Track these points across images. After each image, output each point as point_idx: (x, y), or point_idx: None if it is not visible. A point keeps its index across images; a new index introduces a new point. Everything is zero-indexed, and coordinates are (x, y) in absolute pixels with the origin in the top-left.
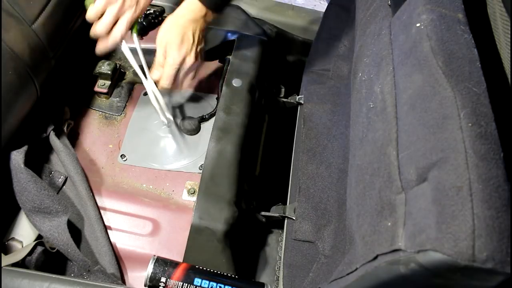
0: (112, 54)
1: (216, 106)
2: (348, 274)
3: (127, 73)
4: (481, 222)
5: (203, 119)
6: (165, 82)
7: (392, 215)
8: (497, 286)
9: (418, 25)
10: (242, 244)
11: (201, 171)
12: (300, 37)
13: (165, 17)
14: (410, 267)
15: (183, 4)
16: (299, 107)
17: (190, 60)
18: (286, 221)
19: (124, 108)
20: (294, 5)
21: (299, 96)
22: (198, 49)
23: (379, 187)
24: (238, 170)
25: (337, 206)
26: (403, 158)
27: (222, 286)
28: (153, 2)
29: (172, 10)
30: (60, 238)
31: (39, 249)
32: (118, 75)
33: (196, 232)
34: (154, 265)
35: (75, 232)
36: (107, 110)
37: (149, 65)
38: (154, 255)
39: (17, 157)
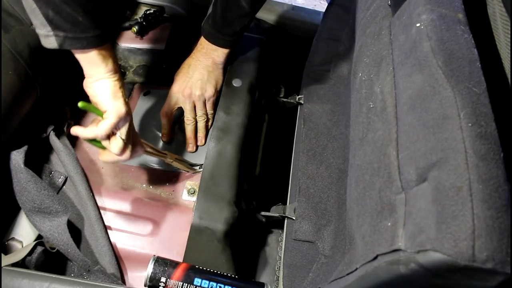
0: None
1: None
2: (348, 274)
3: (127, 73)
4: (481, 222)
5: None
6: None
7: (392, 215)
8: (497, 286)
9: (418, 25)
10: (242, 244)
11: (201, 171)
12: (300, 37)
13: (165, 17)
14: (410, 267)
15: (198, 44)
16: (299, 107)
17: (186, 93)
18: (286, 221)
19: None
20: (294, 5)
21: (299, 96)
22: (194, 89)
23: (379, 187)
24: (238, 170)
25: (337, 206)
26: (403, 158)
27: (222, 286)
28: (153, 2)
29: (172, 10)
30: (60, 238)
31: (39, 249)
32: None
33: (196, 232)
34: (154, 265)
35: (75, 232)
36: None
37: (149, 64)
38: (154, 255)
39: (17, 157)
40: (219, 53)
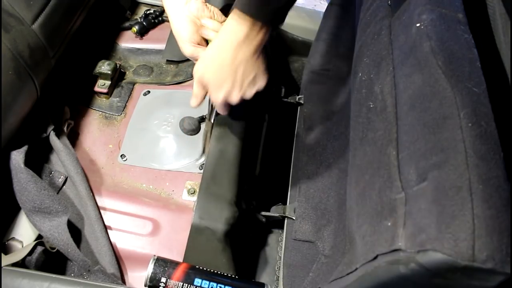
0: (112, 54)
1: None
2: (348, 274)
3: (127, 73)
4: (481, 222)
5: (203, 119)
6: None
7: (392, 215)
8: (497, 286)
9: (418, 25)
10: (242, 244)
11: (201, 171)
12: (300, 37)
13: (165, 17)
14: (410, 267)
15: (225, 23)
16: (299, 107)
17: (233, 101)
18: (286, 221)
19: (124, 108)
20: (294, 5)
21: (299, 96)
22: (245, 88)
23: (379, 187)
24: (239, 170)
25: (337, 206)
26: (403, 158)
27: (223, 286)
28: (153, 2)
29: None
30: (60, 238)
31: (39, 249)
32: (118, 75)
33: (196, 232)
34: (154, 265)
35: (75, 232)
36: (107, 110)
37: (149, 64)
38: (154, 255)
39: (17, 157)
40: (261, 36)
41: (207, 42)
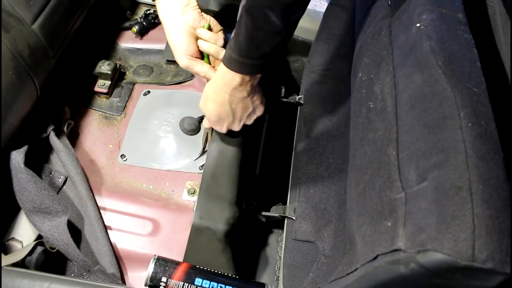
0: (112, 54)
1: None
2: (348, 274)
3: (127, 73)
4: (481, 222)
5: (203, 119)
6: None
7: (392, 215)
8: (497, 286)
9: (418, 25)
10: (242, 244)
11: (201, 171)
12: (300, 37)
13: None
14: (410, 267)
15: (220, 66)
16: (299, 107)
17: (235, 130)
18: (286, 221)
19: (124, 108)
20: None
21: (299, 96)
22: (245, 120)
23: (379, 187)
24: (239, 170)
25: (337, 206)
26: (403, 158)
27: (223, 286)
28: (153, 2)
29: None
30: (60, 238)
31: (39, 249)
32: (118, 75)
33: (196, 232)
34: (155, 264)
35: (75, 232)
36: (107, 110)
37: (149, 64)
38: (155, 255)
39: (17, 157)
40: (254, 80)
41: (202, 54)
